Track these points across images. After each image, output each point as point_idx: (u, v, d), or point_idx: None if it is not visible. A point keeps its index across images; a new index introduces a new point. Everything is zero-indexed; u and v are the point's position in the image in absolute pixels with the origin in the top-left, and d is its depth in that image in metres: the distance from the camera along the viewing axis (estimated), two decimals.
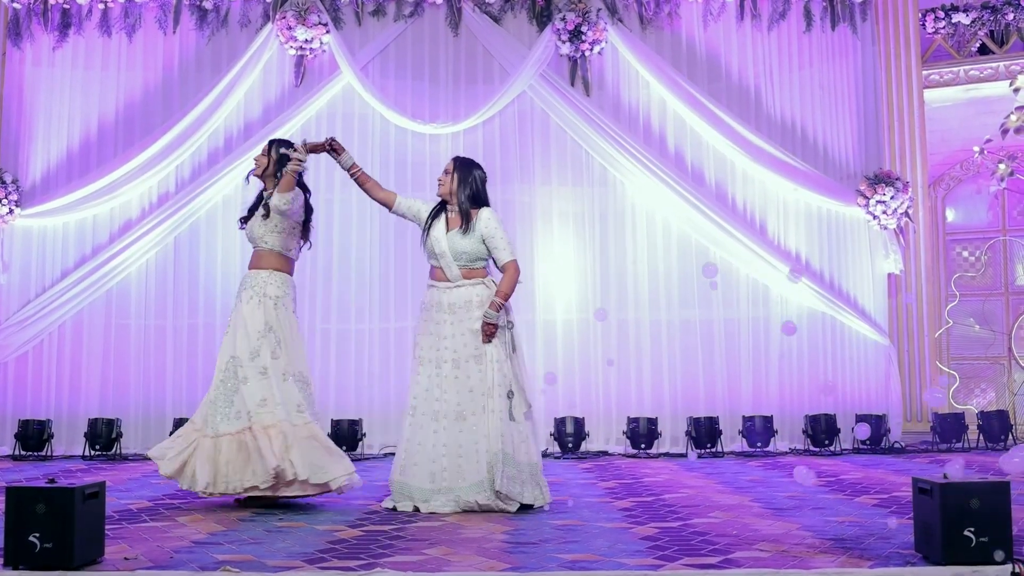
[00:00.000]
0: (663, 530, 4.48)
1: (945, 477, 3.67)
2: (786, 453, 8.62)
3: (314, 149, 5.39)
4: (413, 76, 9.23)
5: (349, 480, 5.29)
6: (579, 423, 8.58)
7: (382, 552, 3.98)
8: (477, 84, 9.26)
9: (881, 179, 8.95)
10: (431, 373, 5.21)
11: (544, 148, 9.27)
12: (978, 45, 9.50)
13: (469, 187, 5.30)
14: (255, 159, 5.62)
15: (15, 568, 3.57)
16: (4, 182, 8.80)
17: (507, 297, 5.20)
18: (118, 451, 8.49)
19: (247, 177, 5.79)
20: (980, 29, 9.41)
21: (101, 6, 9.13)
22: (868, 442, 8.56)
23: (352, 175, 5.48)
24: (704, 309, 9.11)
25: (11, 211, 8.81)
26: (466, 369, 5.15)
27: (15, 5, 9.10)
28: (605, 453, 8.77)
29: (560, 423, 8.55)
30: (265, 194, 5.50)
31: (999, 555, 3.47)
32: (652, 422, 8.67)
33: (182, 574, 3.58)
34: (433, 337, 5.24)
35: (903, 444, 8.65)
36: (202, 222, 9.06)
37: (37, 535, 3.56)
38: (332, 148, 5.42)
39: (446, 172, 5.35)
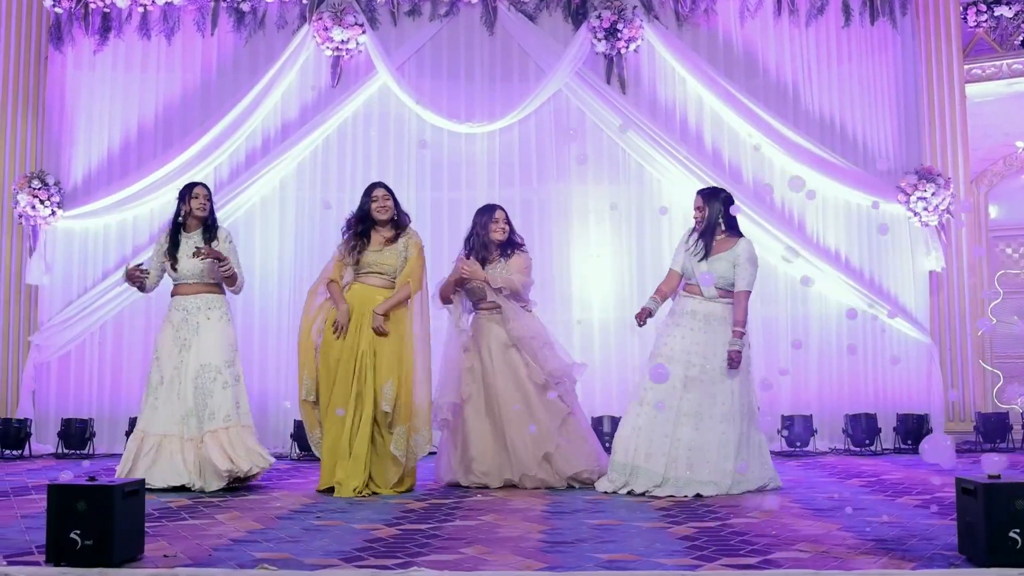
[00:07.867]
0: (701, 530, 4.45)
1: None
2: (826, 453, 8.52)
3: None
4: (449, 75, 9.22)
5: None
6: (615, 423, 8.50)
7: (419, 551, 3.99)
8: (513, 83, 9.24)
9: (922, 175, 8.82)
10: (678, 373, 5.78)
11: (580, 146, 9.23)
12: (1021, 38, 9.34)
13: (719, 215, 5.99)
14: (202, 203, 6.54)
15: (57, 565, 3.61)
16: (47, 184, 8.92)
17: (743, 324, 5.84)
18: None
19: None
20: (1023, 22, 9.24)
21: (140, 9, 9.22)
22: (909, 442, 8.45)
23: None
24: None
25: (53, 212, 8.93)
26: (711, 375, 5.81)
27: (57, 10, 9.22)
28: None
29: (597, 422, 8.50)
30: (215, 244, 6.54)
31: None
32: None
33: (220, 572, 3.61)
34: (686, 341, 5.87)
35: None
36: (241, 223, 9.08)
37: (78, 532, 3.61)
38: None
39: (697, 208, 6.01)
